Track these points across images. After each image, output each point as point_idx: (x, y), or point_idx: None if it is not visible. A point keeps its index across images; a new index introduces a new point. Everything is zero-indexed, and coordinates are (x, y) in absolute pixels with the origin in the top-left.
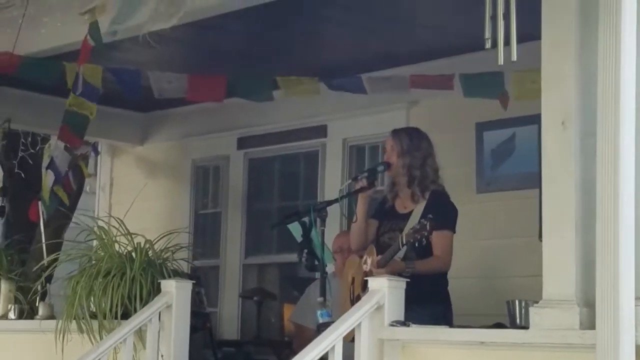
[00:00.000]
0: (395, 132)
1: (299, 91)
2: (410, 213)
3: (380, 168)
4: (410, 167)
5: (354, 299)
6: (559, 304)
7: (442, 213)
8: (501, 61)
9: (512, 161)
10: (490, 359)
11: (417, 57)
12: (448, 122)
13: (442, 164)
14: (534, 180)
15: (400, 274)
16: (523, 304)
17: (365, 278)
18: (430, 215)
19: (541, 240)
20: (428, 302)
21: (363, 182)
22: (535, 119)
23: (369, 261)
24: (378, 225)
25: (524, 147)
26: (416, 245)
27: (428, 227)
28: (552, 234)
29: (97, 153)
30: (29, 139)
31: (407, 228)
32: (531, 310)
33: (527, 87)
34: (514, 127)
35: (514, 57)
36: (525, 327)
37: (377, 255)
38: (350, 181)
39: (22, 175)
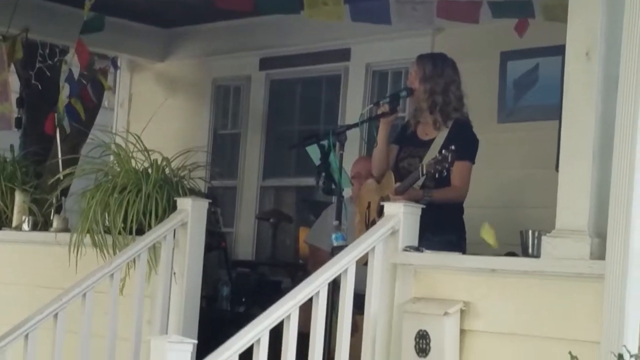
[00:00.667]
0: (420, 58)
1: (323, 12)
2: (431, 140)
3: (403, 93)
4: (432, 93)
5: (369, 224)
6: (572, 234)
7: (464, 143)
8: None
9: (534, 92)
10: (500, 286)
11: None
12: (473, 50)
13: (465, 92)
14: (555, 112)
15: (417, 202)
16: (536, 234)
17: (382, 203)
18: (452, 147)
19: (558, 172)
20: (442, 230)
21: (385, 108)
22: (559, 50)
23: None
24: (398, 151)
25: (547, 78)
26: (436, 176)
27: (450, 158)
28: (569, 165)
29: (116, 68)
30: (47, 50)
31: (428, 156)
32: (543, 239)
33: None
34: (538, 58)
35: None
36: (537, 257)
37: (396, 182)
38: (371, 106)
39: (39, 87)
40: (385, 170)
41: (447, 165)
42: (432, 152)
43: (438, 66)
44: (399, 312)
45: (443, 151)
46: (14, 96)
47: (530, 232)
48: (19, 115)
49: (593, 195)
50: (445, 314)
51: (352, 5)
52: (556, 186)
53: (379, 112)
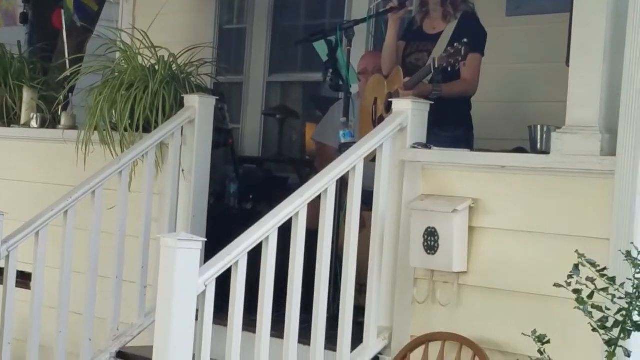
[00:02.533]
0: None
1: None
2: (439, 34)
3: None
4: None
5: (376, 120)
6: (582, 129)
7: (473, 35)
8: None
9: None
10: (509, 183)
11: None
12: None
13: None
14: (566, 4)
15: (426, 97)
16: (545, 129)
17: (389, 100)
18: (465, 40)
19: (568, 66)
20: (450, 126)
21: (394, 2)
22: None
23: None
24: (405, 47)
25: None
26: (448, 70)
27: (463, 51)
28: (579, 59)
29: None
30: None
31: (436, 50)
32: (553, 135)
33: None
34: None
35: None
36: (546, 153)
37: (404, 77)
38: (379, 0)
39: None
40: (394, 65)
41: (459, 59)
42: (440, 46)
43: None
44: (407, 209)
45: (455, 44)
46: None
47: (539, 127)
48: (25, 11)
49: (604, 90)
50: (454, 211)
51: None
52: (566, 81)
53: (388, 6)
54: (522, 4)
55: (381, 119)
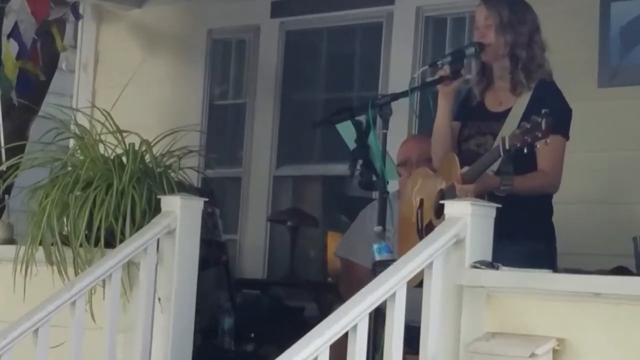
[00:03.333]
0: (489, 0)
1: None
2: (507, 112)
3: (471, 50)
4: (513, 46)
5: (423, 229)
6: None
7: (554, 111)
8: None
9: None
10: (608, 316)
11: None
12: None
13: (550, 45)
14: None
15: (492, 195)
16: None
17: (441, 201)
18: (545, 110)
19: None
20: (524, 237)
21: (445, 70)
22: None
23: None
24: (460, 128)
25: None
26: (525, 151)
27: (543, 125)
28: None
29: (78, 17)
30: None
31: (504, 132)
32: None
33: None
34: None
35: None
36: None
37: (462, 166)
38: (426, 67)
39: None
40: (447, 154)
41: (539, 136)
42: (509, 127)
43: (518, 10)
44: (466, 353)
45: (533, 117)
46: None
47: None
48: None
49: None
50: (532, 355)
51: None
52: None
53: (438, 75)
54: (619, 72)
55: (430, 228)
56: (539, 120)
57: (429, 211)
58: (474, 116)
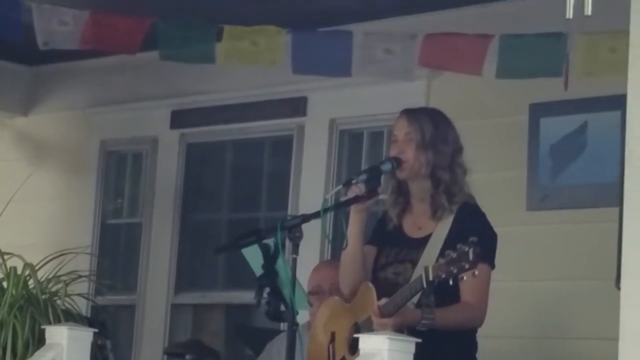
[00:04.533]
0: (411, 114)
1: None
2: (427, 237)
3: (387, 167)
4: (435, 167)
5: None
6: None
7: (480, 237)
8: (570, 14)
9: (581, 164)
10: None
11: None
12: (487, 102)
13: (472, 165)
14: (611, 195)
15: (411, 329)
16: None
17: (355, 335)
18: (473, 238)
19: (619, 288)
20: None
21: (360, 188)
22: (616, 103)
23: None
24: (376, 254)
25: (598, 143)
26: (450, 282)
27: (471, 255)
28: (637, 279)
29: None
30: None
31: (425, 260)
32: None
33: (603, 58)
34: (585, 113)
35: (588, 11)
36: None
37: (379, 297)
38: (340, 187)
39: None
40: (359, 282)
41: (466, 267)
42: (430, 255)
43: (441, 127)
44: None
45: (459, 245)
46: None
47: None
48: None
49: None
50: None
51: (295, 50)
52: (616, 306)
53: (352, 194)
54: (550, 194)
55: None
56: (466, 249)
57: (342, 346)
58: (391, 241)
